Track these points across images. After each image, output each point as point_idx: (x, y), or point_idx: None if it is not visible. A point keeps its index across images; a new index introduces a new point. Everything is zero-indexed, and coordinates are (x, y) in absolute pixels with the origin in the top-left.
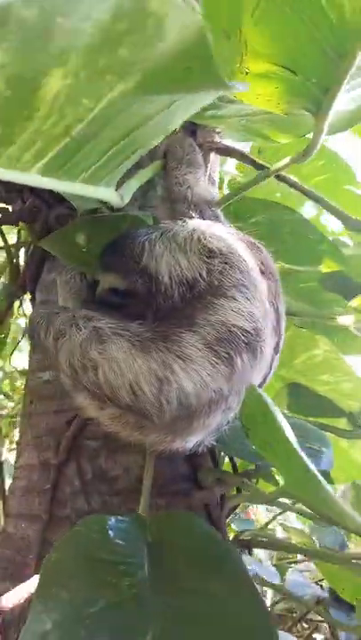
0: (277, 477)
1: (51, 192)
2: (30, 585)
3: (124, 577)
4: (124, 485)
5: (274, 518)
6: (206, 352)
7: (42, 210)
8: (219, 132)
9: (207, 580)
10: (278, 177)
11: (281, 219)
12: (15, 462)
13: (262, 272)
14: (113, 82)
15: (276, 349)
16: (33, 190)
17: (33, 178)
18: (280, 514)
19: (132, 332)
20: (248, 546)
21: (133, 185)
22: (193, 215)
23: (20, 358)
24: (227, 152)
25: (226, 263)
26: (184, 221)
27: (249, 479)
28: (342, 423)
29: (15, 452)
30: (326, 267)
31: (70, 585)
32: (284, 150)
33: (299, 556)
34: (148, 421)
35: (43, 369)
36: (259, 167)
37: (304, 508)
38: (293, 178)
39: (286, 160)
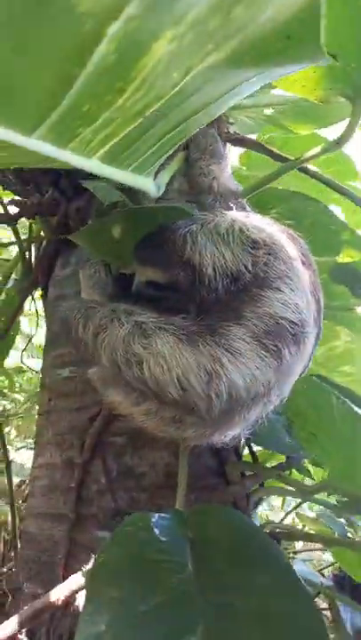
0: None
1: (71, 184)
2: (65, 588)
3: (172, 575)
4: (151, 481)
5: (295, 508)
6: (255, 345)
7: (61, 203)
8: (232, 123)
9: (251, 575)
10: (300, 168)
11: (304, 209)
12: (33, 462)
13: (303, 263)
14: (209, 51)
15: (316, 340)
16: (55, 183)
17: (94, 164)
18: (299, 505)
19: (176, 326)
20: (276, 538)
21: (166, 176)
22: (220, 206)
23: (13, 356)
24: (241, 143)
25: (270, 254)
26: (221, 212)
27: (282, 471)
28: None
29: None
30: (347, 256)
31: (120, 584)
32: (292, 143)
33: (298, 546)
34: (195, 416)
35: (62, 365)
36: (277, 158)
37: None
38: (314, 169)
39: (317, 149)
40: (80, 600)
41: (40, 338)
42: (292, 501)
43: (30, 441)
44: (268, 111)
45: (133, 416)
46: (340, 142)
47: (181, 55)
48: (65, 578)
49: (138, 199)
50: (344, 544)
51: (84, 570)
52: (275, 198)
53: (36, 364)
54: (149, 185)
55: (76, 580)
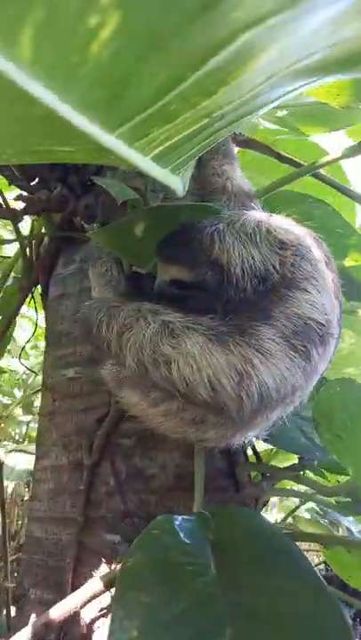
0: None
1: (79, 181)
2: (79, 596)
3: (196, 577)
4: (161, 483)
5: (296, 508)
6: (284, 346)
7: (70, 199)
8: None
9: (274, 576)
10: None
11: (311, 212)
12: (35, 464)
13: (326, 264)
14: (301, 59)
15: (337, 341)
16: (63, 179)
17: (148, 164)
18: (300, 505)
19: (205, 326)
20: None
21: (188, 175)
22: (235, 206)
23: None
24: (247, 144)
25: (297, 255)
26: (244, 212)
27: (296, 472)
28: None
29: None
30: (352, 260)
31: (148, 588)
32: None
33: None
34: (223, 417)
35: (66, 366)
36: (285, 161)
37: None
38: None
39: (337, 154)
40: (92, 607)
41: (21, 336)
42: (285, 501)
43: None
44: (281, 113)
45: (150, 417)
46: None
47: (276, 62)
48: (74, 582)
49: (147, 198)
50: (344, 543)
51: (95, 574)
52: (283, 201)
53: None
54: (180, 184)
55: (91, 587)
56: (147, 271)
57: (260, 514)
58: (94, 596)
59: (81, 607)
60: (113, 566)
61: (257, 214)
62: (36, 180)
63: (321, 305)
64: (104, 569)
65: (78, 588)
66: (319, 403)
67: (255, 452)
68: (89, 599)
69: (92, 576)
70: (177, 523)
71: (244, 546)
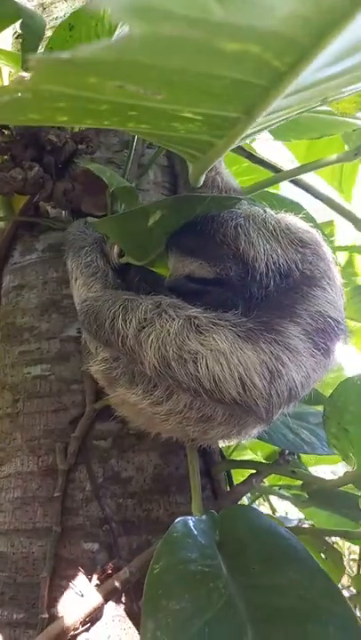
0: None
1: (55, 163)
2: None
3: (215, 579)
4: (139, 486)
5: (256, 498)
6: (309, 343)
7: (47, 182)
8: None
9: (283, 573)
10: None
11: None
12: None
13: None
14: None
15: None
16: (38, 159)
17: None
18: (255, 500)
19: (232, 322)
20: None
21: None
22: None
23: None
24: None
25: (315, 254)
26: (256, 208)
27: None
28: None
29: None
30: None
31: (178, 595)
32: None
33: None
34: (251, 415)
35: (31, 363)
36: (256, 161)
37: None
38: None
39: (333, 157)
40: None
41: None
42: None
43: None
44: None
45: (148, 416)
46: (358, 153)
47: None
48: (50, 597)
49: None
50: (339, 534)
51: (73, 587)
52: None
53: None
54: None
55: (90, 600)
56: (142, 264)
57: (261, 512)
58: (95, 610)
59: (82, 623)
60: (94, 577)
61: (269, 210)
62: (6, 156)
63: (336, 302)
64: (82, 580)
65: (56, 603)
66: (334, 396)
67: (220, 452)
68: (90, 614)
69: (69, 589)
70: (192, 524)
71: (250, 545)
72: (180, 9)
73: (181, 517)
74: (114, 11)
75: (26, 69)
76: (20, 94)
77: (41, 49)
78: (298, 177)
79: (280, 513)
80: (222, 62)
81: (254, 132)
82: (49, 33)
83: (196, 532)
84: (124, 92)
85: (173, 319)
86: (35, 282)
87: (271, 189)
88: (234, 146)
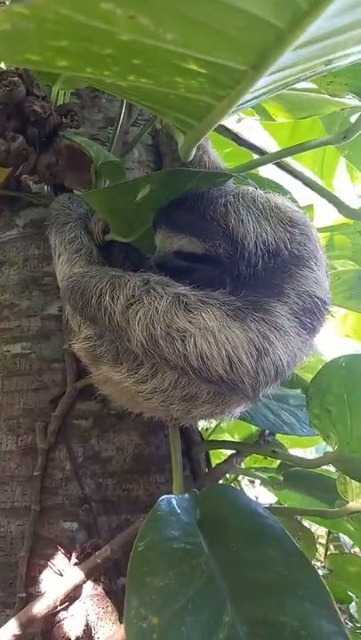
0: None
1: (40, 135)
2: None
3: (197, 556)
4: (119, 466)
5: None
6: (295, 323)
7: (30, 154)
8: None
9: (261, 550)
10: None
11: None
12: None
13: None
14: None
15: None
16: (22, 130)
17: None
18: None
19: (220, 301)
20: None
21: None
22: None
23: None
24: None
25: (304, 234)
26: (245, 187)
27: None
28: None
29: None
30: None
31: (162, 572)
32: None
33: None
34: (237, 393)
35: (11, 341)
36: (241, 142)
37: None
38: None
39: (320, 139)
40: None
41: None
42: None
43: None
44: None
45: (132, 395)
46: (347, 136)
47: None
48: (29, 577)
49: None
50: (315, 514)
51: (52, 566)
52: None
53: None
54: None
55: (72, 578)
56: (128, 241)
57: (242, 492)
58: (76, 587)
59: (61, 602)
60: (74, 555)
61: (258, 190)
62: None
63: (323, 283)
64: (61, 559)
65: (34, 582)
66: (318, 378)
67: (198, 432)
68: (71, 591)
69: (49, 568)
70: (175, 502)
71: (230, 523)
72: None
73: (165, 496)
74: None
75: None
76: (22, 23)
77: None
78: (284, 160)
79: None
80: None
81: (252, 100)
82: None
83: (179, 511)
84: (134, 24)
85: (162, 296)
86: (15, 258)
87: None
88: (231, 110)
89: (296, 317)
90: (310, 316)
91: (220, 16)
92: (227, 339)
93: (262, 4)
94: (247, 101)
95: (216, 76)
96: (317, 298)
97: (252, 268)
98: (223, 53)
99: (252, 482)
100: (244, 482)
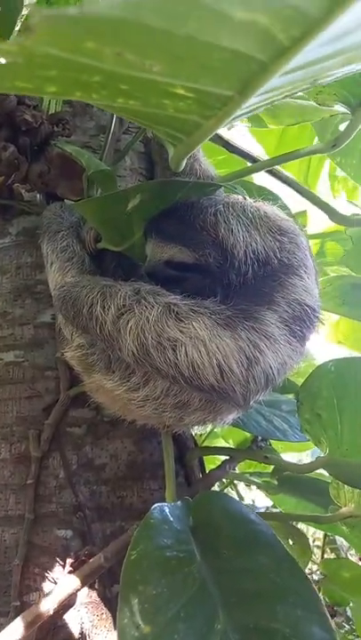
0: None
1: (30, 144)
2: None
3: (190, 564)
4: (113, 473)
5: (226, 486)
6: (285, 331)
7: (22, 164)
8: None
9: (253, 556)
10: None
11: None
12: None
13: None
14: None
15: None
16: (13, 140)
17: None
18: (227, 486)
19: (211, 310)
20: None
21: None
22: None
23: None
24: None
25: (293, 242)
26: (235, 196)
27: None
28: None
29: None
30: None
31: (154, 580)
32: None
33: None
34: (228, 402)
35: (4, 349)
36: (233, 150)
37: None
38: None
39: (310, 148)
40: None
41: None
42: None
43: None
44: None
45: (124, 403)
46: (336, 144)
47: None
48: (23, 585)
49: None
50: (309, 519)
51: (47, 574)
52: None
53: None
54: None
55: (68, 584)
56: (119, 250)
57: (234, 498)
58: (70, 595)
59: (59, 608)
60: (68, 563)
61: (249, 199)
62: None
63: (312, 290)
64: (56, 567)
65: (28, 590)
66: (308, 382)
67: (192, 438)
68: (65, 598)
69: (43, 576)
70: (168, 510)
71: (222, 530)
72: None
73: (158, 504)
74: None
75: (23, 30)
76: (10, 59)
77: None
78: (275, 168)
79: (247, 501)
80: (228, 31)
81: (241, 115)
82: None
83: (171, 519)
84: (121, 60)
85: (153, 306)
86: (8, 266)
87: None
88: (219, 128)
89: (286, 325)
90: (300, 324)
91: (205, 51)
92: (217, 347)
93: (246, 42)
94: (235, 117)
95: (203, 99)
96: (307, 306)
97: (242, 277)
98: (209, 81)
99: (249, 486)
100: (241, 486)
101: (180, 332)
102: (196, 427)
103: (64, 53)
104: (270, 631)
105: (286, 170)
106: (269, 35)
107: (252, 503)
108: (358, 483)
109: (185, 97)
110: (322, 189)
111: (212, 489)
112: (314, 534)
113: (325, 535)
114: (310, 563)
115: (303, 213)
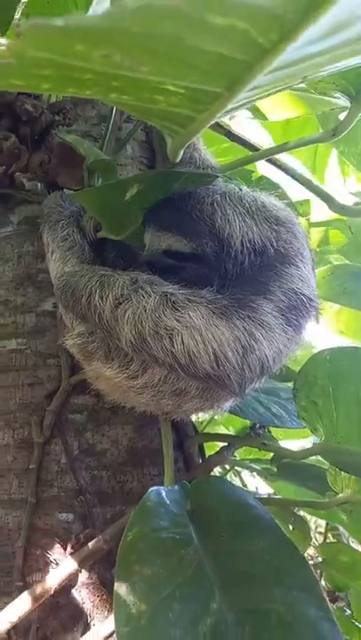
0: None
1: (31, 134)
2: (53, 579)
3: (187, 546)
4: (113, 459)
5: (227, 472)
6: (281, 320)
7: (22, 153)
8: None
9: (251, 539)
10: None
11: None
12: None
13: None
14: None
15: None
16: (14, 130)
17: None
18: (227, 473)
19: (207, 299)
20: None
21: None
22: None
23: None
24: None
25: (290, 232)
26: (233, 186)
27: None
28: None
29: None
30: None
31: (150, 560)
32: None
33: None
34: (224, 389)
35: (6, 336)
36: (234, 139)
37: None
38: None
39: (310, 137)
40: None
41: None
42: None
43: None
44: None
45: (124, 390)
46: (335, 134)
47: None
48: (25, 566)
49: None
50: (306, 504)
51: (49, 556)
52: (243, 179)
53: None
54: None
55: (66, 566)
56: (118, 239)
57: (232, 483)
58: (71, 576)
59: (60, 587)
60: (68, 545)
61: (246, 188)
62: None
63: (309, 280)
64: (57, 549)
65: (31, 571)
66: (304, 370)
67: (193, 425)
68: (66, 579)
69: (45, 557)
70: (164, 494)
71: (220, 514)
72: None
73: (154, 487)
74: None
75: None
76: (3, 61)
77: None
78: (275, 156)
79: (251, 488)
80: (210, 36)
81: (235, 108)
82: None
83: (168, 502)
84: (109, 61)
85: (150, 295)
86: (10, 255)
87: (249, 168)
88: (213, 121)
89: (282, 314)
90: (296, 313)
91: (191, 53)
92: (213, 336)
93: (228, 45)
94: (230, 110)
95: (193, 95)
96: (303, 295)
97: (238, 267)
98: (198, 80)
99: (253, 473)
100: (245, 473)
101: (177, 320)
102: (194, 414)
103: (54, 56)
104: (266, 611)
105: (295, 156)
106: (250, 38)
107: (255, 490)
108: (353, 469)
109: (176, 93)
110: (333, 173)
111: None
112: (316, 521)
113: (328, 522)
114: (312, 548)
115: (306, 202)
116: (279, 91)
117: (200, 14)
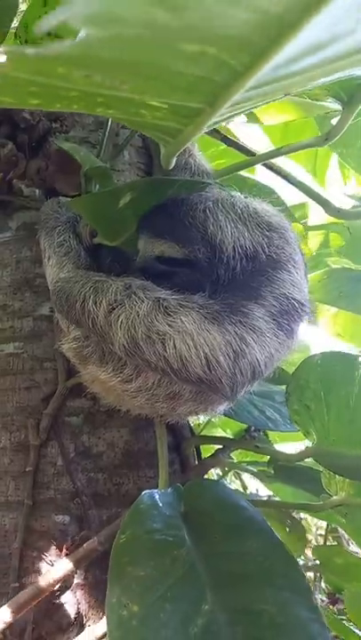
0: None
1: (29, 141)
2: (47, 578)
3: (179, 548)
4: (109, 461)
5: (225, 474)
6: (272, 325)
7: (19, 160)
8: None
9: (243, 541)
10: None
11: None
12: None
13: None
14: None
15: None
16: (12, 137)
17: None
18: (227, 473)
19: (199, 304)
20: None
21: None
22: None
23: None
24: None
25: (282, 237)
26: (226, 192)
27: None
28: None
29: None
30: None
31: (143, 562)
32: None
33: None
34: (216, 393)
35: (4, 340)
36: (230, 144)
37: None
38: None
39: (304, 142)
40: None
41: None
42: None
43: None
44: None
45: (118, 394)
46: (328, 138)
47: None
48: (22, 568)
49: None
50: (300, 507)
51: (45, 558)
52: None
53: None
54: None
55: (61, 567)
56: (114, 245)
57: (225, 485)
58: (66, 577)
59: (55, 588)
60: (64, 547)
61: (238, 194)
62: None
63: (301, 285)
64: (53, 551)
65: (27, 573)
66: (297, 374)
67: (189, 427)
68: (61, 580)
69: (41, 559)
70: (158, 497)
71: (213, 516)
72: (131, 14)
73: (148, 490)
74: (71, 19)
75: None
76: None
77: (15, 22)
78: (270, 161)
79: (252, 490)
80: (183, 60)
81: (221, 120)
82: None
83: (161, 504)
84: (90, 81)
85: (143, 301)
86: (8, 260)
87: (246, 173)
88: (201, 132)
89: (273, 319)
90: (288, 318)
91: (169, 75)
92: (205, 341)
93: (202, 68)
94: (216, 122)
95: (177, 110)
96: (295, 300)
97: (230, 272)
98: (179, 97)
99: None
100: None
101: (169, 325)
102: (189, 416)
103: (36, 77)
104: (257, 612)
105: (294, 159)
106: (221, 61)
107: (255, 492)
108: (345, 471)
109: (160, 108)
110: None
111: (214, 479)
112: (317, 523)
113: (328, 524)
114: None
115: (303, 205)
116: (266, 103)
117: (170, 43)
